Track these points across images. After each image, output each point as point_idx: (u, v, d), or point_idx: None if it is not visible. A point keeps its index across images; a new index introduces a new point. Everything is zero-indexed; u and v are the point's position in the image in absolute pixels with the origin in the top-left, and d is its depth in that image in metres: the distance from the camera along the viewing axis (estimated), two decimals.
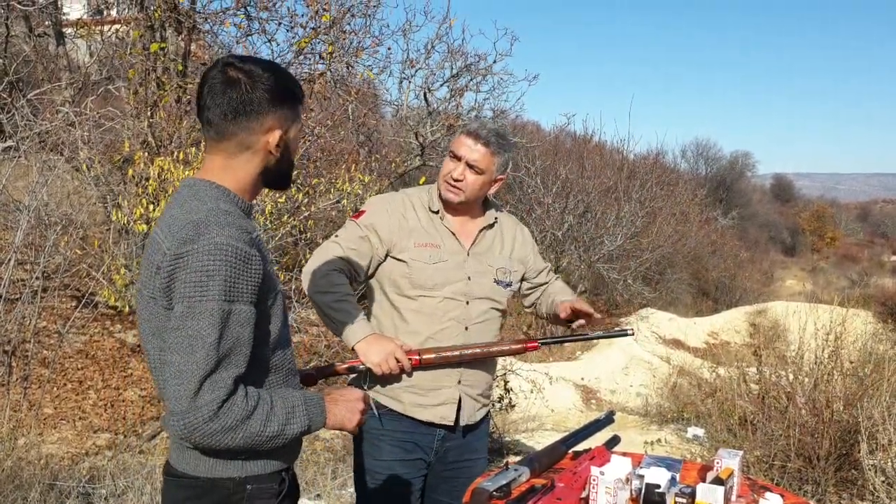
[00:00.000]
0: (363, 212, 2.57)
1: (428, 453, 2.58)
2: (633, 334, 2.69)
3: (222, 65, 1.64)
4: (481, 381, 2.63)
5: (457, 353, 2.47)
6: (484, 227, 2.64)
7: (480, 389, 2.63)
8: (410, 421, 2.53)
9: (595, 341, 14.52)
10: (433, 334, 2.50)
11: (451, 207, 2.57)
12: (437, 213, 2.58)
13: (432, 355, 2.44)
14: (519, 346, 2.56)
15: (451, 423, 2.56)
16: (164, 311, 1.56)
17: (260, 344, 1.63)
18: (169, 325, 1.54)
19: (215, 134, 1.65)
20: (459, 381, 2.55)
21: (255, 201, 2.03)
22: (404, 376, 2.48)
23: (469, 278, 2.55)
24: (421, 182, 9.99)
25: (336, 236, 2.53)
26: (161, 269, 1.56)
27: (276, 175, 1.74)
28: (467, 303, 2.54)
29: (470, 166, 2.49)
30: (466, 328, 2.54)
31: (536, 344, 2.58)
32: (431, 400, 2.53)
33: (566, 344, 14.69)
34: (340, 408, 1.76)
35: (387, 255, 2.53)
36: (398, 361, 2.38)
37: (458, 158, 2.50)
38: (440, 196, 2.57)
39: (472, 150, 2.49)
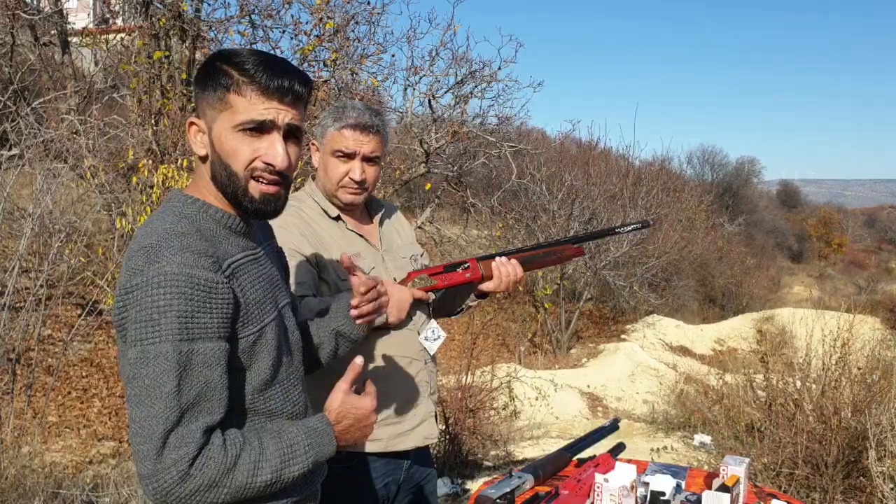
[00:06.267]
0: None
1: (397, 484, 2.27)
2: (653, 223, 2.50)
3: None
4: (434, 379, 2.34)
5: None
6: (380, 220, 2.35)
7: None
8: (384, 460, 2.19)
9: (601, 349, 14.55)
10: (401, 354, 2.20)
11: (346, 210, 2.25)
12: (337, 219, 2.23)
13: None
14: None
15: (436, 439, 2.29)
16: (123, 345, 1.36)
17: (240, 386, 1.42)
18: (126, 374, 1.34)
19: None
20: (430, 392, 2.28)
21: None
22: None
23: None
24: (427, 188, 9.99)
25: None
26: (116, 304, 1.35)
27: (218, 185, 1.46)
28: None
29: (369, 160, 2.20)
30: (418, 332, 2.25)
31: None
32: (410, 423, 2.21)
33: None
34: (351, 429, 1.51)
35: (319, 279, 2.15)
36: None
37: (351, 157, 2.18)
38: (331, 202, 2.24)
39: (364, 143, 2.18)
